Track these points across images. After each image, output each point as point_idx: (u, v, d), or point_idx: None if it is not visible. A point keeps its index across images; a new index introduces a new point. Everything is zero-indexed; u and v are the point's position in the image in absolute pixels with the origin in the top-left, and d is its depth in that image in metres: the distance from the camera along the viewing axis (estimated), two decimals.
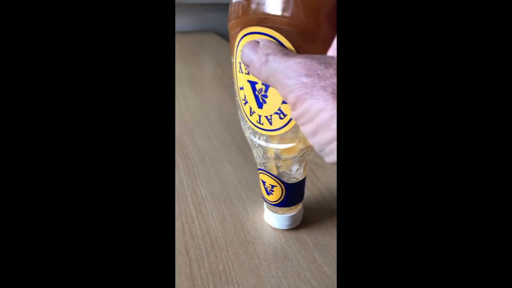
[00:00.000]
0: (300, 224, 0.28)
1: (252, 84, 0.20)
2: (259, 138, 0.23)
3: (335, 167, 0.37)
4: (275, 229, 0.27)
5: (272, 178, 0.24)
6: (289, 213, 0.27)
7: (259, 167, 0.25)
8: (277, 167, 0.24)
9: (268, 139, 0.22)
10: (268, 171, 0.24)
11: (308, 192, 0.33)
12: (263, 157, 0.24)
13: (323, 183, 0.34)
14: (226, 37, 1.31)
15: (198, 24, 1.43)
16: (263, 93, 0.20)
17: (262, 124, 0.22)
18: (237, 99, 0.23)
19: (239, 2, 0.19)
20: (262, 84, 0.20)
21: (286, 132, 0.21)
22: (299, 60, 0.15)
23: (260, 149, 0.24)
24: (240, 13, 0.19)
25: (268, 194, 0.26)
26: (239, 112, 0.24)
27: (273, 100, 0.20)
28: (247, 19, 0.19)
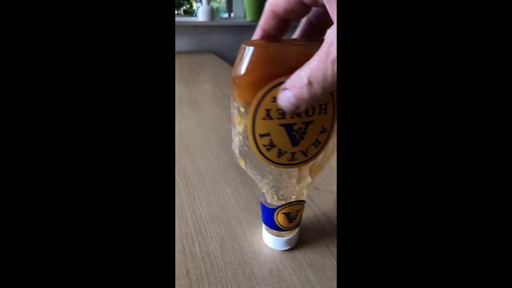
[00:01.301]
0: (295, 245, 0.29)
1: (288, 126, 0.21)
2: (290, 176, 0.24)
3: (328, 189, 0.38)
4: (272, 250, 0.29)
5: (299, 204, 0.26)
6: (292, 235, 0.28)
7: (286, 201, 0.26)
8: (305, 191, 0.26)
9: (302, 169, 0.24)
10: (297, 199, 0.26)
11: (303, 213, 0.34)
12: (295, 188, 0.25)
13: (317, 204, 0.36)
14: (224, 57, 1.35)
15: (197, 45, 1.48)
16: (302, 131, 0.21)
17: (296, 159, 0.22)
18: (243, 149, 0.23)
19: (273, 53, 0.19)
20: (302, 123, 0.21)
21: (319, 156, 0.23)
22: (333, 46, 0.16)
23: (294, 183, 0.25)
24: (276, 63, 0.19)
25: (290, 221, 0.27)
26: (245, 163, 0.24)
27: (311, 134, 0.21)
28: (284, 70, 0.19)
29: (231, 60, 1.29)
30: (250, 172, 0.24)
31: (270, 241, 0.29)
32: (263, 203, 0.27)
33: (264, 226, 0.29)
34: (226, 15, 1.72)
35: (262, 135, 0.21)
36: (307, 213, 0.34)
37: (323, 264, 0.27)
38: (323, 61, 0.16)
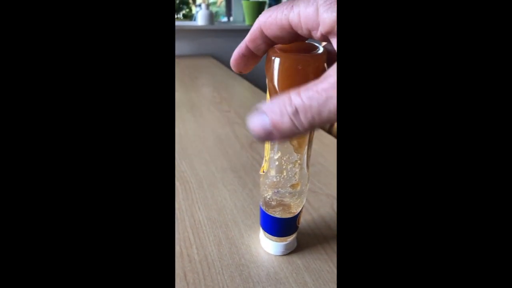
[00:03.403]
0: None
1: None
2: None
3: (326, 192, 0.39)
4: (269, 253, 0.29)
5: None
6: (290, 239, 0.29)
7: (300, 209, 0.27)
8: None
9: None
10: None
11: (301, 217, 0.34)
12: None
13: (315, 208, 0.36)
14: (223, 61, 1.36)
15: (196, 48, 1.49)
16: None
17: None
18: (303, 171, 0.24)
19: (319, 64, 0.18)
20: None
21: None
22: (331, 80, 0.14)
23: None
24: None
25: (298, 223, 0.28)
26: (301, 184, 0.24)
27: None
28: None
29: (229, 64, 1.29)
30: (302, 194, 0.25)
31: (269, 247, 0.29)
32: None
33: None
34: (225, 19, 1.73)
35: (309, 147, 0.22)
36: (305, 217, 0.34)
37: (320, 267, 0.28)
38: (325, 91, 0.13)
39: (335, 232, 0.32)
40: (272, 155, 0.23)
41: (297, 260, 0.28)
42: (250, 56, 0.20)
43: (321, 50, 0.19)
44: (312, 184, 0.41)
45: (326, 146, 0.52)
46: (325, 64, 0.19)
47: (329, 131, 0.73)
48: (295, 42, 0.20)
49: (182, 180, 0.40)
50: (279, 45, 0.21)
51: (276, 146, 0.22)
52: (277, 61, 0.19)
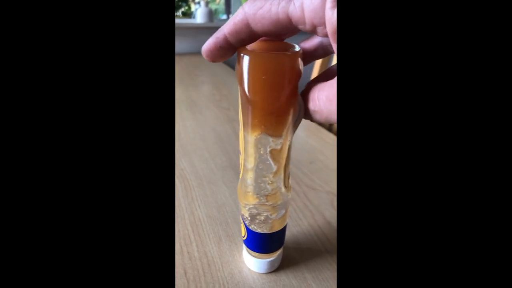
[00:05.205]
0: (291, 245, 0.30)
1: None
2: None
3: (326, 189, 0.39)
4: None
5: None
6: (275, 256, 0.27)
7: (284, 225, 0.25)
8: None
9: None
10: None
11: (300, 213, 0.34)
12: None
13: (315, 205, 0.36)
14: None
15: (195, 46, 1.48)
16: None
17: None
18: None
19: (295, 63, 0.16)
20: None
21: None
22: None
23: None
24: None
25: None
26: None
27: None
28: None
29: (229, 62, 1.30)
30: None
31: (254, 265, 0.27)
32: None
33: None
34: (224, 16, 1.72)
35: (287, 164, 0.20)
36: (305, 213, 0.34)
37: (319, 263, 0.28)
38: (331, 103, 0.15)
39: (335, 229, 0.32)
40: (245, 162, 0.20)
41: (296, 256, 0.28)
42: (229, 48, 0.18)
43: (297, 49, 0.17)
44: (312, 181, 0.41)
45: (326, 143, 0.52)
46: (301, 65, 0.17)
47: (330, 129, 0.73)
48: (282, 39, 0.18)
49: (182, 178, 0.40)
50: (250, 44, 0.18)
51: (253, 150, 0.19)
52: (246, 60, 0.16)
